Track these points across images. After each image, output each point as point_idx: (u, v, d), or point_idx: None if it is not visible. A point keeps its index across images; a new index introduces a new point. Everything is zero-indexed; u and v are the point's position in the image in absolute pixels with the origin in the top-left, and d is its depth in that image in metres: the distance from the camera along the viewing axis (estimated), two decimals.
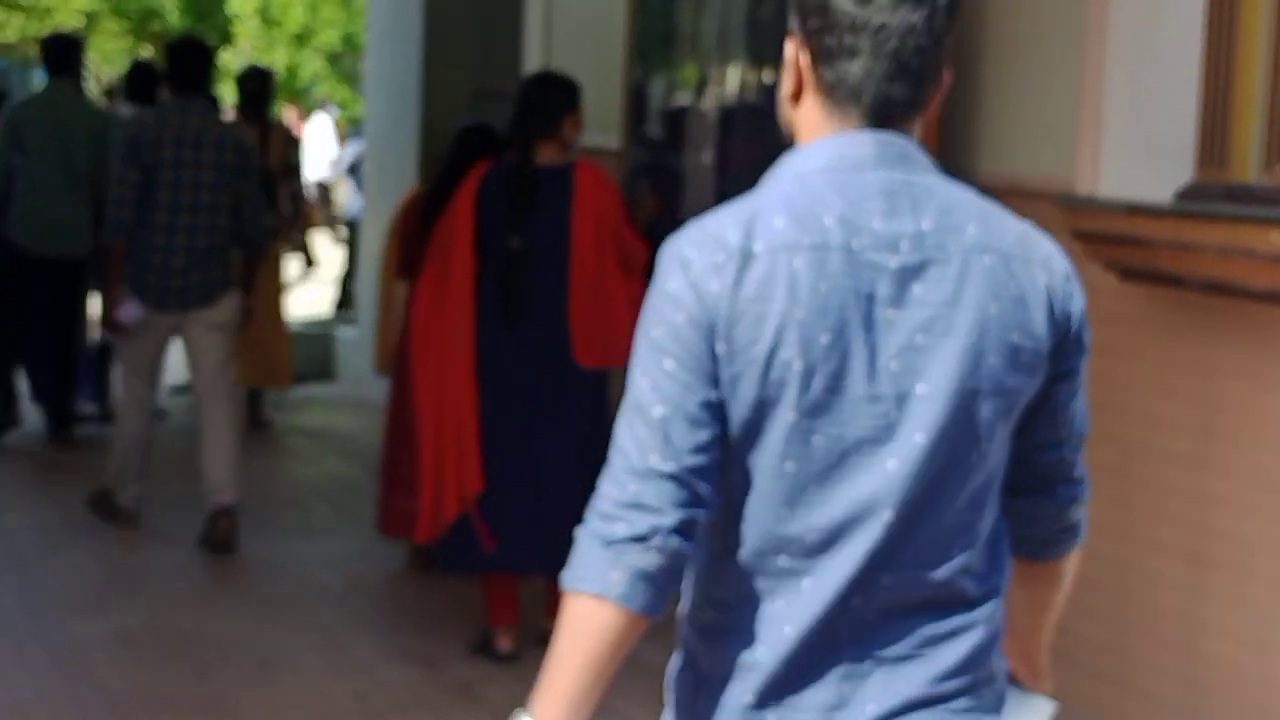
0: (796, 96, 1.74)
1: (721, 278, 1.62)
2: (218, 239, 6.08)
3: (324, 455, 8.38)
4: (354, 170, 11.64)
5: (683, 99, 6.70)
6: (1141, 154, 4.59)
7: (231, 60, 17.85)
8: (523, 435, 5.00)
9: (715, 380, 1.63)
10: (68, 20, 17.30)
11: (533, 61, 7.91)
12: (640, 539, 1.60)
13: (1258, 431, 4.22)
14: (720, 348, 1.61)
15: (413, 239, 5.71)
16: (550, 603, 5.01)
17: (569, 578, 1.65)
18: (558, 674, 1.65)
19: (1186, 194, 4.30)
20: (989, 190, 4.51)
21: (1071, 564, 1.91)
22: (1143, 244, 4.34)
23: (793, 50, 1.73)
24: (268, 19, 17.76)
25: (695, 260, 1.63)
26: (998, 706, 1.77)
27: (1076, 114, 4.78)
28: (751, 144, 6.10)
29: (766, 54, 6.00)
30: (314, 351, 9.71)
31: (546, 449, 5.06)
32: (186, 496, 6.74)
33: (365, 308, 9.04)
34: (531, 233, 5.01)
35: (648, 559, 1.61)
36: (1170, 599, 4.50)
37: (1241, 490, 4.23)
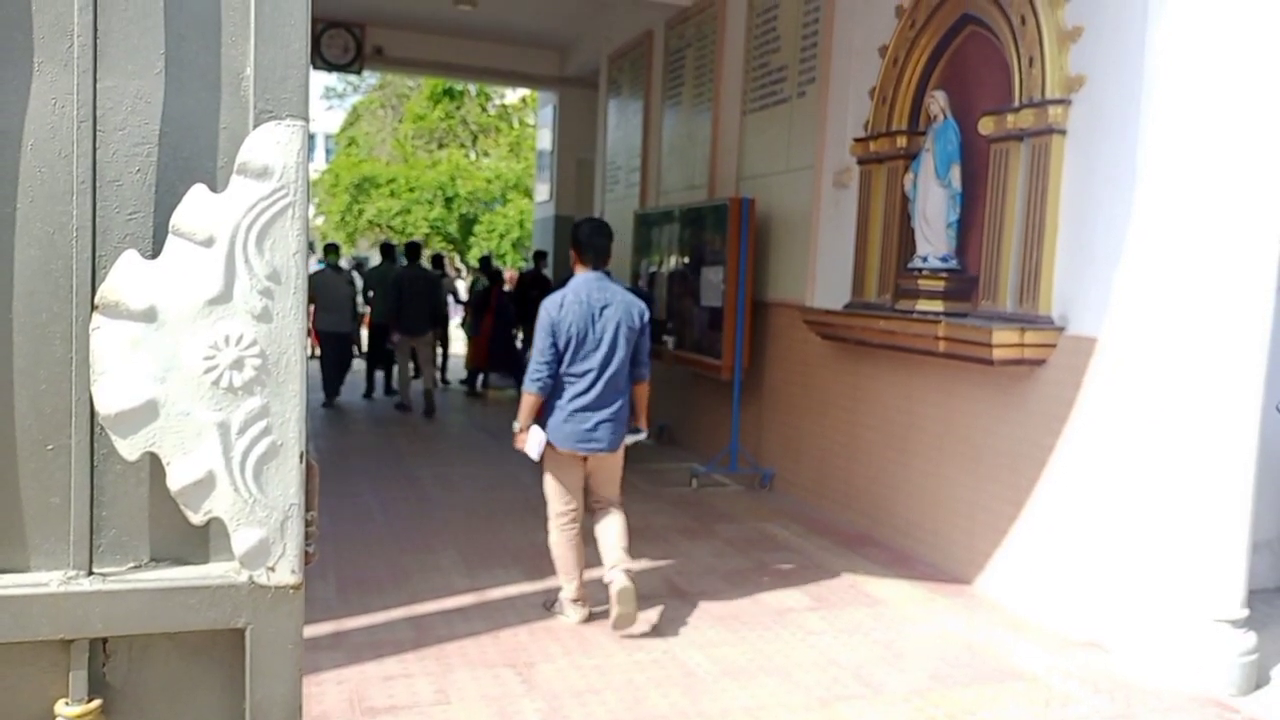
0: (575, 263, 4.17)
1: (556, 311, 3.99)
2: (427, 310, 9.59)
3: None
4: None
5: (652, 267, 8.52)
6: (830, 288, 6.30)
7: (476, 243, 24.11)
8: None
9: (555, 339, 3.96)
10: (417, 233, 23.43)
11: None
12: (536, 381, 4.02)
13: (875, 399, 5.95)
14: (558, 329, 3.98)
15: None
16: None
17: (525, 388, 4.07)
18: (522, 411, 4.12)
19: (848, 305, 6.05)
20: (774, 305, 7.16)
21: (645, 388, 4.26)
22: (831, 325, 6.05)
23: (573, 252, 4.19)
24: (491, 229, 23.39)
25: (549, 305, 4.03)
26: (624, 427, 4.18)
27: (806, 271, 6.55)
28: (677, 282, 7.86)
29: (684, 252, 7.79)
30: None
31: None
32: (460, 420, 9.42)
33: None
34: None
35: (540, 387, 4.02)
36: (873, 459, 6.42)
37: (868, 420, 6.01)
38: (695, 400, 8.27)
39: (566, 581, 4.33)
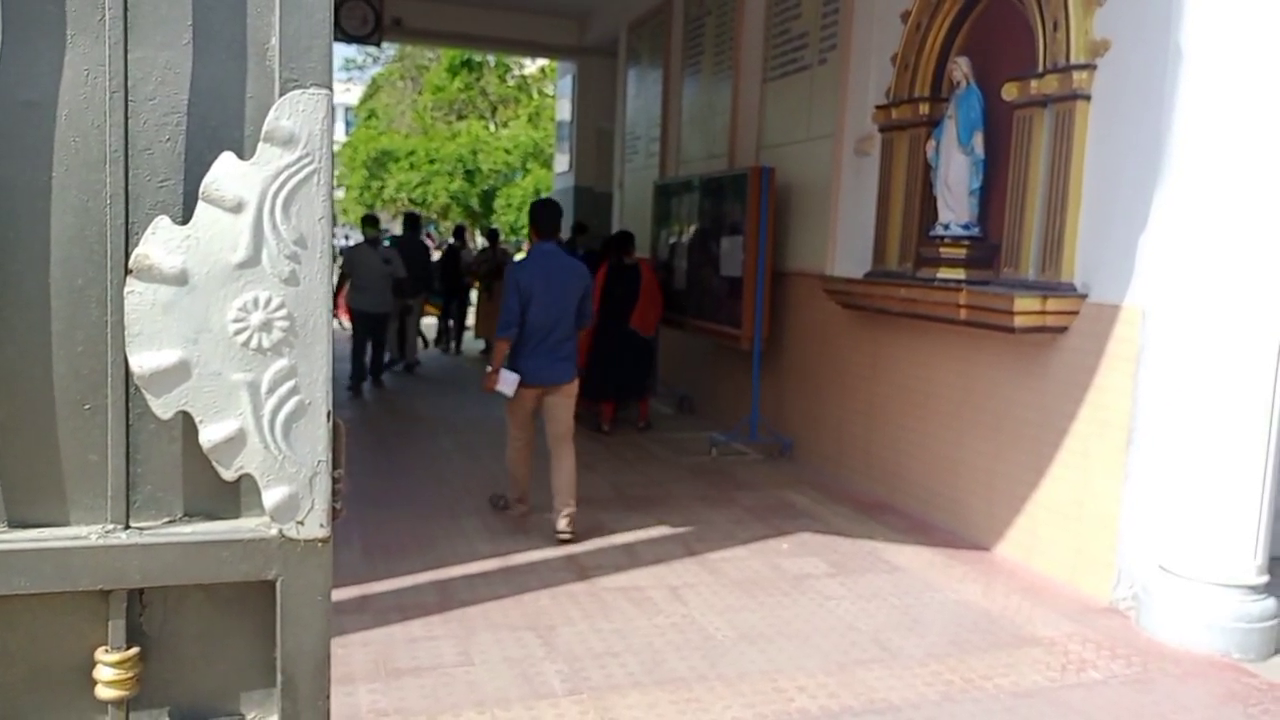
0: (533, 235, 5.10)
1: (520, 274, 4.95)
2: (417, 277, 9.59)
3: None
4: None
5: (672, 237, 8.52)
6: (851, 257, 6.30)
7: (497, 217, 24.34)
8: (614, 353, 7.46)
9: (520, 296, 4.87)
10: (436, 206, 23.56)
11: (617, 224, 10.49)
12: (506, 330, 4.92)
13: (895, 367, 5.97)
14: (522, 289, 4.89)
15: None
16: (641, 410, 7.78)
17: (497, 336, 5.02)
18: (496, 353, 5.01)
19: (869, 274, 6.04)
20: (794, 274, 7.24)
21: (584, 334, 5.55)
22: (851, 294, 6.03)
23: (531, 228, 5.14)
24: (508, 203, 23.46)
25: (514, 270, 5.03)
26: (573, 365, 5.11)
27: (827, 240, 6.56)
28: (697, 252, 7.88)
29: (704, 222, 7.79)
30: None
31: (621, 358, 7.45)
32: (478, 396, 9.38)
33: None
34: (624, 286, 7.56)
35: (509, 335, 4.92)
36: (893, 427, 6.43)
37: (888, 388, 6.03)
38: (715, 370, 8.29)
39: (514, 486, 5.32)
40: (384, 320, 9.56)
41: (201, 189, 1.11)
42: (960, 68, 5.38)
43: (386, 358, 10.51)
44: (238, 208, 1.11)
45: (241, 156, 1.14)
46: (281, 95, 1.13)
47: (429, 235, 14.64)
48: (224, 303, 1.10)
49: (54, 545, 1.09)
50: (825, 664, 3.71)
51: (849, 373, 6.45)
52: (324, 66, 1.15)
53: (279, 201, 1.11)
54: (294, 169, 1.12)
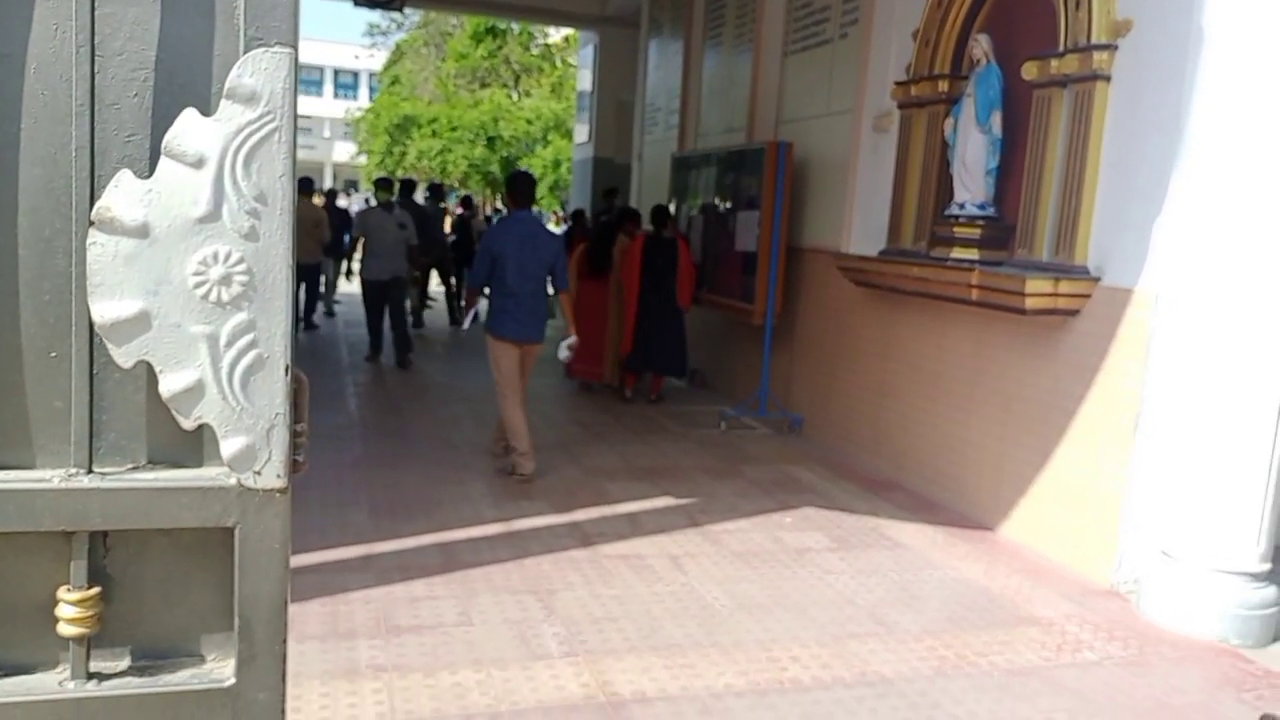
0: (510, 204, 5.66)
1: (494, 238, 5.42)
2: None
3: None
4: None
5: (693, 210, 8.49)
6: (866, 234, 6.26)
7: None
8: (655, 326, 7.52)
9: (493, 257, 5.34)
10: (456, 174, 23.42)
11: (634, 196, 10.51)
12: (474, 283, 5.50)
13: (907, 346, 5.94)
14: (495, 251, 5.36)
15: (580, 265, 7.86)
16: (655, 383, 7.81)
17: (470, 284, 5.64)
18: (468, 298, 5.81)
19: (883, 252, 5.99)
20: (809, 250, 7.24)
21: (566, 298, 5.69)
22: (865, 272, 6.02)
23: (509, 197, 5.76)
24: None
25: (491, 233, 5.52)
26: (544, 323, 5.55)
27: (842, 217, 6.51)
28: (713, 226, 7.89)
29: (721, 196, 7.77)
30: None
31: (661, 332, 7.49)
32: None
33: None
34: (664, 259, 7.55)
35: (476, 285, 5.51)
36: (903, 406, 6.34)
37: (899, 367, 6.01)
38: (727, 344, 8.29)
39: (517, 440, 5.48)
40: (398, 285, 9.14)
41: (164, 144, 1.13)
42: (981, 45, 5.32)
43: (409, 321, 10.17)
44: (199, 163, 1.12)
45: (208, 114, 1.15)
46: (246, 53, 1.14)
47: (461, 204, 14.12)
48: (184, 256, 1.12)
49: (18, 487, 1.12)
50: (820, 636, 3.74)
51: (861, 351, 6.43)
52: (289, 25, 1.16)
53: (240, 158, 1.13)
54: (255, 126, 1.13)
